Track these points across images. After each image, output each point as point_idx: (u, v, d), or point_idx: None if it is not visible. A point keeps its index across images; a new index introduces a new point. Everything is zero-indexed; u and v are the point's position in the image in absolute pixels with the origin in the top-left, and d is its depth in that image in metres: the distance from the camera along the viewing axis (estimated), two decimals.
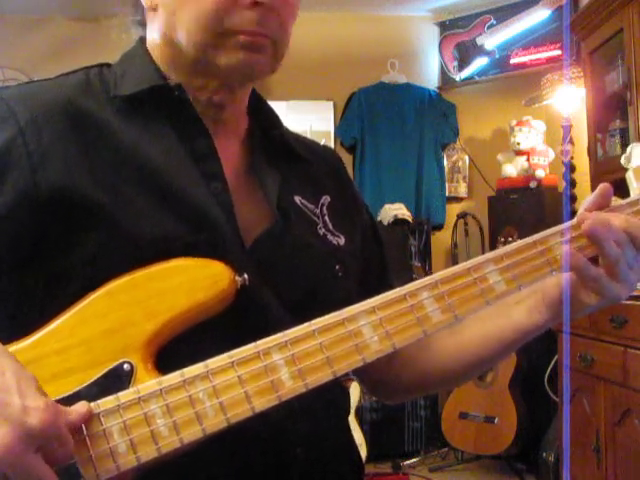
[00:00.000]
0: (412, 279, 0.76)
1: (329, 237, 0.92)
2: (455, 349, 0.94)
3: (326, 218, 0.93)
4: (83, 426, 0.65)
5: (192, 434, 0.67)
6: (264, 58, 0.83)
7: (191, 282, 0.74)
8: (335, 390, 0.88)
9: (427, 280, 0.75)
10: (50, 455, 0.60)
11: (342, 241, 0.93)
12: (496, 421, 3.45)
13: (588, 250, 0.80)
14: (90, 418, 0.65)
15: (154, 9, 0.87)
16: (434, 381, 1.00)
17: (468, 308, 0.75)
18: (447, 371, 0.97)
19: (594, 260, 0.80)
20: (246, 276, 0.75)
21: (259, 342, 0.70)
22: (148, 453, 0.66)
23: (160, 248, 0.76)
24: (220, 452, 0.73)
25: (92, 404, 0.66)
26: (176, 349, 0.73)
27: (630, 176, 0.84)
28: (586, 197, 0.83)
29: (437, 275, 0.76)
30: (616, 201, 0.83)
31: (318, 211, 0.93)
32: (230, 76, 0.85)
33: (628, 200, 0.83)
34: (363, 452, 3.23)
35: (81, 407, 0.65)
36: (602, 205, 0.82)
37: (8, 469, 0.57)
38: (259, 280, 0.81)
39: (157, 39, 0.88)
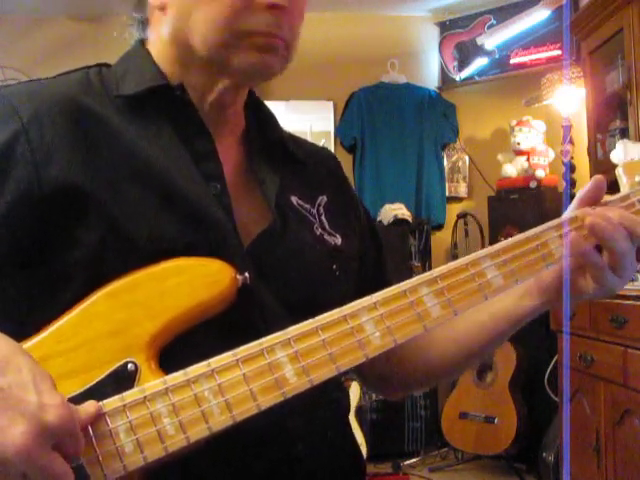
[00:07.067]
0: None
1: (325, 237, 0.92)
2: (453, 340, 0.95)
3: (322, 218, 0.94)
4: (89, 426, 0.65)
5: (198, 432, 0.67)
6: (276, 59, 0.84)
7: (192, 281, 0.74)
8: (335, 389, 0.88)
9: (426, 276, 0.76)
10: (63, 452, 0.60)
11: (339, 241, 0.93)
12: (496, 421, 3.45)
13: (587, 242, 0.81)
14: (99, 417, 0.65)
15: (161, 9, 0.86)
16: (433, 374, 1.00)
17: (467, 303, 0.77)
18: (445, 363, 0.98)
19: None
20: (247, 275, 0.76)
21: (263, 339, 0.70)
22: (155, 453, 0.66)
23: (159, 247, 0.76)
24: (222, 448, 0.73)
25: None
26: (176, 348, 0.73)
27: (620, 172, 0.86)
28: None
29: (436, 271, 0.77)
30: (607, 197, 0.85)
31: (314, 211, 0.93)
32: (243, 76, 0.86)
33: (619, 195, 0.85)
34: (363, 452, 3.23)
35: (90, 406, 0.65)
36: (596, 197, 0.84)
37: (26, 466, 0.57)
38: (257, 279, 0.81)
39: (164, 39, 0.87)
